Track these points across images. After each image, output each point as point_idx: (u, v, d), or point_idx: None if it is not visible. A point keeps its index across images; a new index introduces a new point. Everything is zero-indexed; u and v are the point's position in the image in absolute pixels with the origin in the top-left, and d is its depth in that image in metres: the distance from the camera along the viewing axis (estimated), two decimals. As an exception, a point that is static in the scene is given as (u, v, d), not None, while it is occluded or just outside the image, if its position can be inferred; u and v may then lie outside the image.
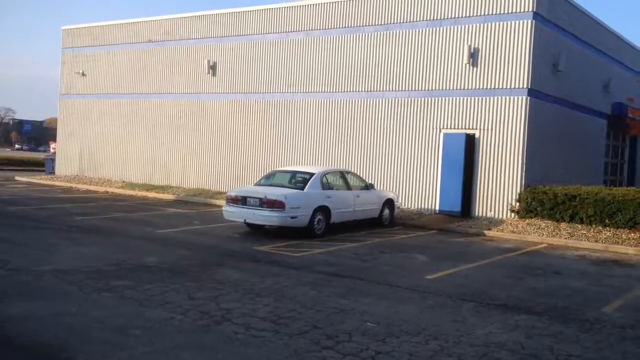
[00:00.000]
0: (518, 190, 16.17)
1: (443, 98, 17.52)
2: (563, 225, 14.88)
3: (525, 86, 16.23)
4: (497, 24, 16.65)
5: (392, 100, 18.48)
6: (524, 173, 16.21)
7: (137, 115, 24.77)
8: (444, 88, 17.50)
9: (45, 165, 30.11)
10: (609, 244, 13.42)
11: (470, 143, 16.89)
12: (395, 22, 18.45)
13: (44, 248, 10.51)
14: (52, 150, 35.20)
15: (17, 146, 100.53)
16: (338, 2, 19.52)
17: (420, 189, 17.81)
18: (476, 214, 16.79)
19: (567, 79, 18.28)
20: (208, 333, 6.15)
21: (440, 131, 17.54)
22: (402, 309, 7.43)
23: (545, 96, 17.17)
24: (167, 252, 10.58)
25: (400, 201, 17.24)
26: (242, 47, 21.74)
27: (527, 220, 15.47)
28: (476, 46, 16.94)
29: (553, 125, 17.68)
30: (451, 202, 16.90)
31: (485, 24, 16.84)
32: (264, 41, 21.22)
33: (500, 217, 16.34)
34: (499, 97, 16.60)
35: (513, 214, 16.13)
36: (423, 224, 16.01)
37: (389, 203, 15.66)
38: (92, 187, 23.28)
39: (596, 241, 13.65)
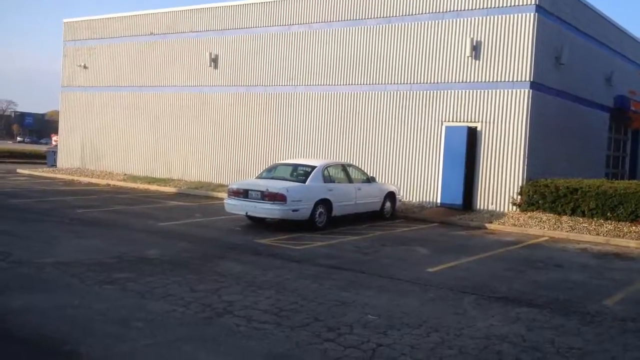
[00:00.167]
0: (520, 183, 16.15)
1: (445, 91, 17.48)
2: (564, 218, 14.87)
3: (527, 79, 16.18)
4: (500, 16, 16.59)
5: (394, 93, 18.44)
6: (525, 166, 16.19)
7: (138, 108, 24.76)
8: (447, 81, 17.46)
9: (47, 158, 30.14)
10: (611, 237, 13.41)
11: (472, 136, 16.87)
12: (398, 14, 18.38)
13: (45, 240, 10.53)
14: (53, 143, 35.24)
15: (18, 139, 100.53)
16: (340, -6, 19.47)
17: (422, 182, 17.81)
18: (478, 207, 16.79)
19: (570, 72, 18.22)
20: (210, 325, 6.16)
21: (442, 124, 17.51)
22: (404, 301, 7.44)
23: (547, 89, 17.12)
24: (168, 245, 10.60)
25: (401, 194, 17.23)
26: (244, 40, 21.69)
27: (528, 213, 15.46)
28: (479, 39, 16.88)
29: (555, 119, 17.64)
30: (453, 195, 16.89)
31: (488, 17, 16.77)
32: (265, 34, 21.17)
33: (501, 210, 16.34)
34: (502, 90, 16.56)
35: (515, 207, 16.12)
36: (424, 217, 16.02)
37: (391, 196, 15.66)
38: (93, 180, 23.30)
39: (597, 234, 13.65)
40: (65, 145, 27.54)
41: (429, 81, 17.81)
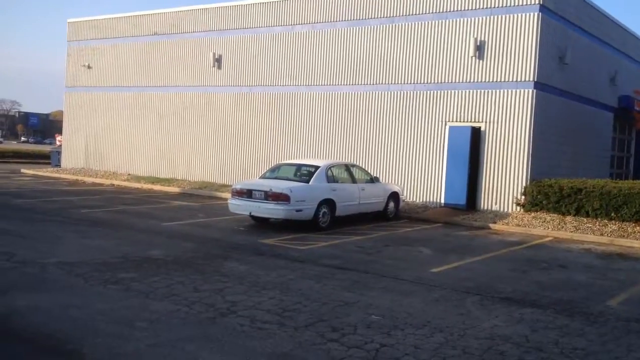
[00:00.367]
0: (524, 184, 16.13)
1: (449, 91, 17.46)
2: (568, 218, 14.84)
3: (531, 79, 16.15)
4: (504, 16, 16.56)
5: (397, 93, 18.43)
6: (529, 166, 16.17)
7: (142, 108, 24.81)
8: (450, 81, 17.44)
9: (51, 158, 30.20)
10: (615, 237, 13.38)
11: (476, 136, 16.84)
12: (401, 14, 18.38)
13: (49, 240, 10.56)
14: (58, 143, 35.35)
15: (23, 139, 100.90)
16: (343, -6, 19.47)
17: (426, 182, 17.79)
18: (481, 207, 16.77)
19: (574, 71, 18.18)
20: (214, 325, 6.17)
21: (445, 124, 17.49)
22: (407, 301, 7.43)
23: (551, 89, 17.09)
24: (172, 245, 10.61)
25: (405, 194, 17.23)
26: (248, 40, 21.72)
27: (532, 214, 15.43)
28: (482, 39, 16.86)
29: (559, 119, 17.60)
30: (456, 196, 16.87)
31: (492, 17, 16.75)
32: (269, 34, 21.18)
33: (505, 210, 16.31)
34: (505, 90, 16.53)
35: (518, 207, 16.09)
36: (428, 217, 16.00)
37: (394, 196, 15.65)
38: (97, 180, 23.35)
39: (602, 235, 13.62)
40: (69, 146, 27.61)
41: (432, 81, 17.79)
